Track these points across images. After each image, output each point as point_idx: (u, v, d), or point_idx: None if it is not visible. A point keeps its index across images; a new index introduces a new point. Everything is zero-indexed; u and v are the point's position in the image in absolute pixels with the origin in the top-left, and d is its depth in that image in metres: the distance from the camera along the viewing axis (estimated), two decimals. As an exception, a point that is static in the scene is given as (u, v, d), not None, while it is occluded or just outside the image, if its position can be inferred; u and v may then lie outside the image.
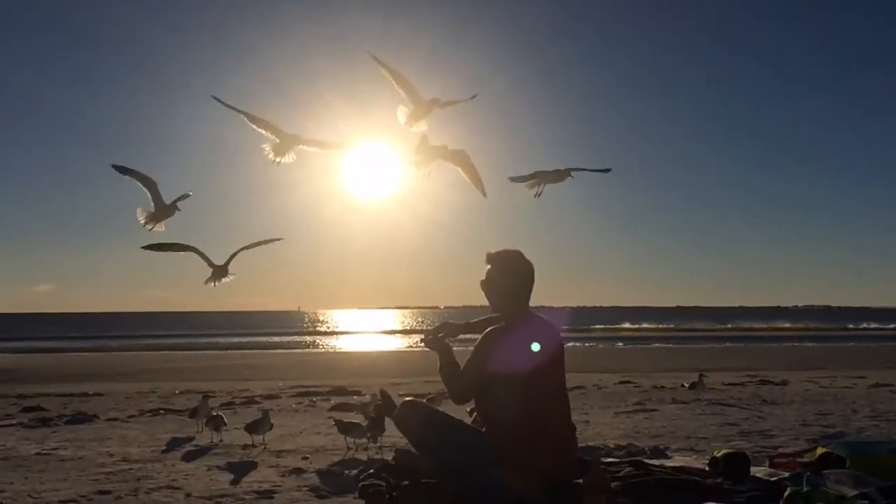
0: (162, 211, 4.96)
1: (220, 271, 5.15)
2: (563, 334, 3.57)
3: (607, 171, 4.72)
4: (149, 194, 4.97)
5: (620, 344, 30.70)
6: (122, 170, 4.90)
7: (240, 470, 4.32)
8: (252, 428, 5.05)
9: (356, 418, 5.12)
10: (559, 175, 4.68)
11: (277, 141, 4.82)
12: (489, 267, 3.52)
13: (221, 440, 5.36)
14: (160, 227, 5.03)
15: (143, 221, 5.02)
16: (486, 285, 3.53)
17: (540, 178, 4.69)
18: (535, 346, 3.32)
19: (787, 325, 50.05)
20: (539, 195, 4.72)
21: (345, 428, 4.89)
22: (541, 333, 3.41)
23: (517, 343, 3.36)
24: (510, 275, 3.49)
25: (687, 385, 8.81)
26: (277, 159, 4.85)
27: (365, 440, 4.81)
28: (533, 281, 3.51)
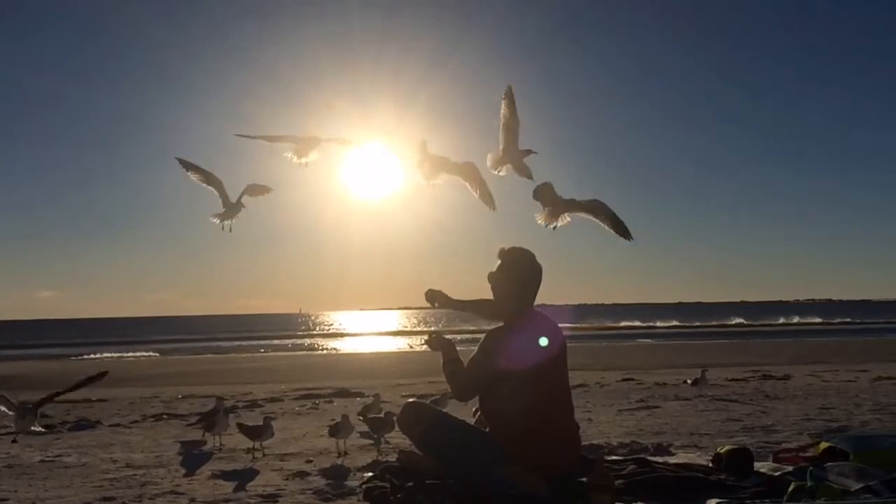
0: (230, 209, 4.90)
1: (23, 423, 4.94)
2: (564, 332, 3.57)
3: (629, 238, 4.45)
4: (216, 192, 4.89)
5: (622, 341, 30.70)
6: (187, 165, 4.80)
7: (243, 474, 4.32)
8: (252, 433, 5.03)
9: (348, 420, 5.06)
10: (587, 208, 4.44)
11: (296, 146, 4.75)
12: (499, 262, 3.54)
13: (222, 445, 5.35)
14: (229, 224, 4.95)
15: (215, 221, 4.96)
16: (493, 280, 3.55)
17: (568, 207, 4.43)
18: (544, 341, 3.33)
19: (789, 320, 50.06)
20: (555, 228, 4.48)
21: (333, 430, 4.88)
22: (544, 331, 3.41)
23: (521, 340, 3.36)
24: (514, 272, 3.50)
25: (689, 381, 8.80)
26: (301, 161, 4.78)
27: (353, 437, 4.81)
28: (538, 281, 3.52)
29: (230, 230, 4.96)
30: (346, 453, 4.84)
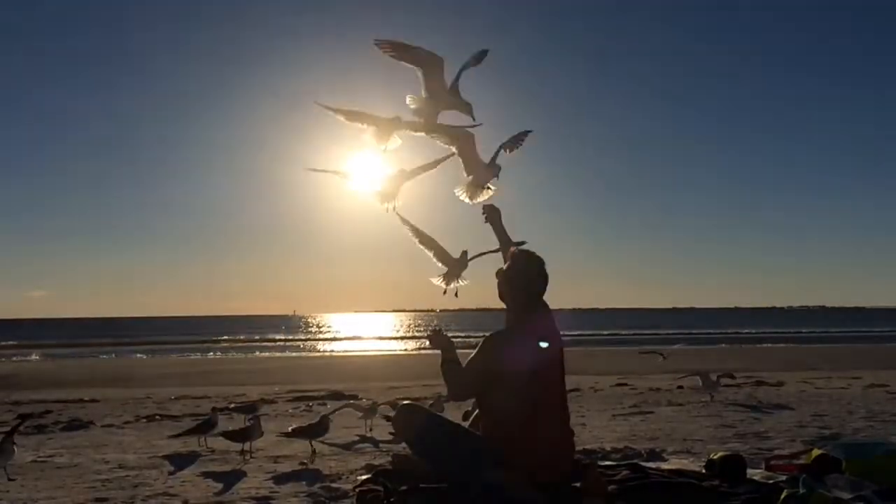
0: (482, 169, 4.48)
1: None
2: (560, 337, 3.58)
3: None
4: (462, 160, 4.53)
5: (616, 346, 30.72)
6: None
7: (236, 476, 4.31)
8: (239, 436, 5.00)
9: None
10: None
11: (377, 128, 4.44)
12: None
13: (213, 449, 5.32)
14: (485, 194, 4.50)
15: (461, 195, 4.57)
16: (498, 279, 3.61)
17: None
18: (544, 344, 3.34)
19: (782, 327, 50.21)
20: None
21: (305, 432, 4.85)
22: (542, 334, 3.42)
23: (519, 343, 3.37)
24: (511, 276, 3.53)
25: (698, 379, 8.73)
26: (383, 146, 4.50)
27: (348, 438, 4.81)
28: (537, 286, 3.52)
29: (482, 200, 4.48)
30: (314, 453, 4.79)
